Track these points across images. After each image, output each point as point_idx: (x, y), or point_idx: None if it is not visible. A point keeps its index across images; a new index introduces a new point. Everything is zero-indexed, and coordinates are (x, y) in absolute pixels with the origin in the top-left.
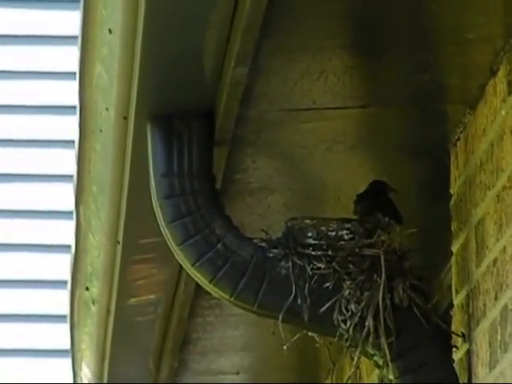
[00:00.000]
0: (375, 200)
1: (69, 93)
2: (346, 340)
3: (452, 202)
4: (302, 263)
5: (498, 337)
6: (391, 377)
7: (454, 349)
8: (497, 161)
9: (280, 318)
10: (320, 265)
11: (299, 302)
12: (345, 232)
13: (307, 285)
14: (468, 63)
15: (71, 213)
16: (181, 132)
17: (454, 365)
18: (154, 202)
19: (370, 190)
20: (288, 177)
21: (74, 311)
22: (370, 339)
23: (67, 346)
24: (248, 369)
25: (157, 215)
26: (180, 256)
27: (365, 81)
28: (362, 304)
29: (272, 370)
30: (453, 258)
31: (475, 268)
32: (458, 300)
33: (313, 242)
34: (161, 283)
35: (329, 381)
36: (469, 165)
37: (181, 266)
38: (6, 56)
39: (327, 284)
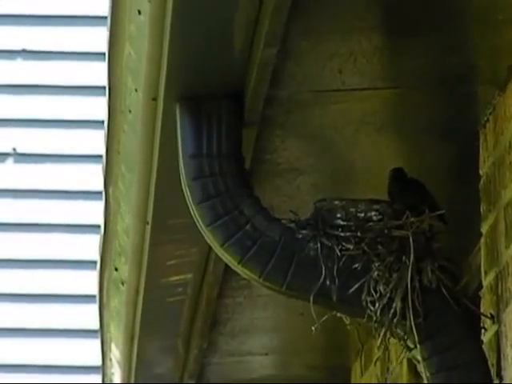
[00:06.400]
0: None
1: (98, 73)
2: (375, 321)
3: (481, 183)
4: (330, 244)
5: None
6: (419, 358)
7: (482, 330)
8: None
9: (311, 299)
10: (349, 246)
11: (328, 283)
12: (373, 213)
13: (336, 266)
14: (497, 44)
15: (100, 193)
16: (210, 113)
17: (483, 346)
18: (182, 182)
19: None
20: (317, 158)
21: (102, 292)
22: (399, 320)
23: (96, 326)
24: (277, 350)
25: (186, 196)
26: (209, 237)
27: (394, 62)
28: (391, 285)
29: (301, 351)
30: (482, 240)
31: (504, 249)
32: (486, 281)
33: (341, 223)
34: (190, 264)
35: (357, 362)
36: (498, 146)
37: (210, 246)
38: (36, 37)
39: (356, 265)
